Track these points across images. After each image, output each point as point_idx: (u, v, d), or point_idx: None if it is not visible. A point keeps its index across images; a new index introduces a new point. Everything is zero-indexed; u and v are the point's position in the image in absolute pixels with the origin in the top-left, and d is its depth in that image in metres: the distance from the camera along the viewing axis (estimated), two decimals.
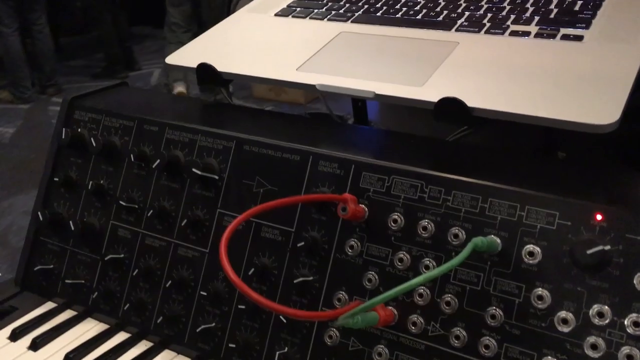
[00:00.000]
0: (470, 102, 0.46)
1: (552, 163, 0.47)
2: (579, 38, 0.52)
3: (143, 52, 4.92)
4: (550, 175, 0.44)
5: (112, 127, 0.56)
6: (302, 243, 0.46)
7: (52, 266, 0.57)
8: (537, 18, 0.57)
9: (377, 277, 0.44)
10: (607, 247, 0.37)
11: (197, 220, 0.51)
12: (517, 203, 0.40)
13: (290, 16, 0.66)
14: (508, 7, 0.60)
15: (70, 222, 0.55)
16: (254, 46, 0.60)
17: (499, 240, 0.40)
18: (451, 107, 0.46)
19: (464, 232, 0.41)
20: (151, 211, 0.52)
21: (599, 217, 0.38)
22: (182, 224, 0.52)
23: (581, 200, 0.39)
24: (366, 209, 0.45)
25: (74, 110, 0.59)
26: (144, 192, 0.54)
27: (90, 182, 0.55)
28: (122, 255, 0.54)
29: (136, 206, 0.53)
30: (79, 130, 0.57)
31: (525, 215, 0.40)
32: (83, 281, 0.55)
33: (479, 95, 0.47)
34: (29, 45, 3.91)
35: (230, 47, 0.61)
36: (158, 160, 0.51)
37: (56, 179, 0.57)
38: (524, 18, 0.57)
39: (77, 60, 4.79)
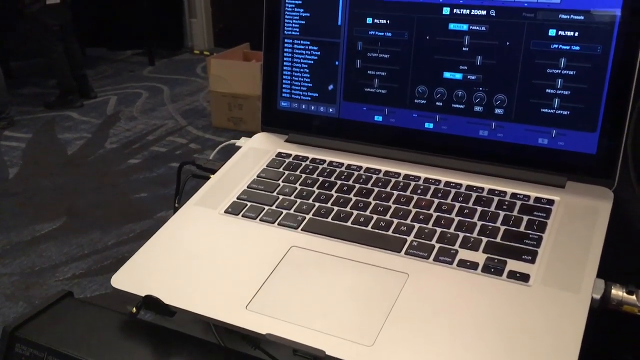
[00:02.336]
0: None
1: None
2: (526, 278, 0.53)
3: (98, 77, 4.84)
4: None
5: None
6: None
7: None
8: (484, 241, 0.57)
9: None
10: None
11: None
12: None
13: (240, 215, 0.65)
14: (456, 220, 0.60)
15: None
16: (202, 268, 0.59)
17: None
18: None
19: None
20: None
21: None
22: None
23: None
24: None
25: (15, 342, 0.57)
26: None
27: None
28: None
29: None
30: None
31: None
32: None
33: None
34: None
35: (177, 269, 0.59)
36: None
37: None
38: (472, 240, 0.57)
39: (29, 87, 4.67)
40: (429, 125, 0.68)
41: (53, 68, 4.14)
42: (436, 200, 0.63)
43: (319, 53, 0.72)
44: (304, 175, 0.69)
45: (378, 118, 0.70)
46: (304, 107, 0.74)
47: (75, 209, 2.92)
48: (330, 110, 0.73)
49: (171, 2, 5.22)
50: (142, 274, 0.59)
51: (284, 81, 0.75)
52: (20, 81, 4.71)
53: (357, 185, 0.66)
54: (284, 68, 0.74)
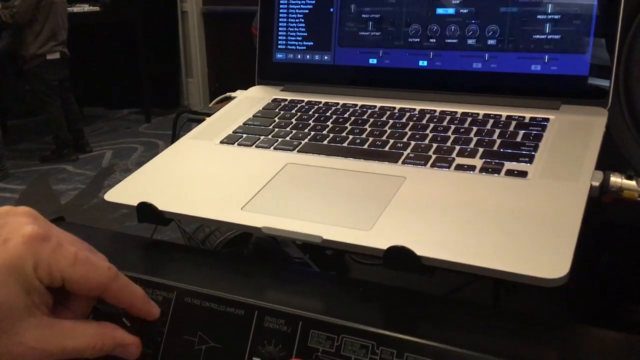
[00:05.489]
0: (419, 251, 0.45)
1: (506, 317, 0.45)
2: (524, 174, 0.53)
3: (94, 133, 4.89)
4: (506, 332, 0.43)
5: None
6: None
7: None
8: (481, 150, 0.57)
9: None
10: None
11: None
12: None
13: (236, 144, 0.64)
14: (452, 137, 0.60)
15: None
16: (197, 181, 0.59)
17: None
18: (400, 255, 0.45)
19: None
20: None
21: None
22: None
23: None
24: None
25: None
26: None
27: None
28: None
29: None
30: None
31: None
32: None
33: (428, 244, 0.46)
34: None
35: (172, 183, 0.59)
36: (92, 315, 0.48)
37: None
38: (469, 150, 0.57)
39: (26, 143, 4.71)
40: (423, 63, 0.69)
41: (50, 122, 4.19)
42: (432, 124, 0.63)
43: (313, 2, 0.74)
44: (299, 113, 0.69)
45: (373, 61, 0.71)
46: (299, 57, 0.75)
47: None
48: (326, 57, 0.74)
49: (168, 63, 5.35)
50: (136, 189, 0.59)
51: (279, 33, 0.76)
52: (16, 138, 4.75)
53: (353, 118, 0.67)
54: (280, 20, 0.76)
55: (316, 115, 0.68)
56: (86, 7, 4.74)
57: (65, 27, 4.09)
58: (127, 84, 5.28)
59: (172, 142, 0.74)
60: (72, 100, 4.26)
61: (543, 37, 0.63)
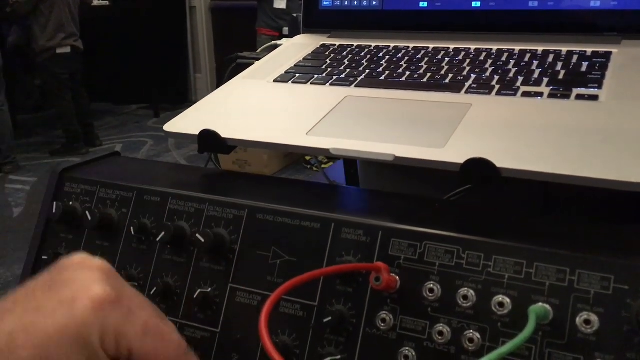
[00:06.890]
0: (499, 163, 0.44)
1: (590, 223, 0.44)
2: (595, 97, 0.52)
3: (104, 127, 4.90)
4: (594, 236, 0.42)
5: (108, 199, 0.52)
6: (329, 318, 0.42)
7: None
8: (546, 80, 0.56)
9: (414, 352, 0.40)
10: None
11: (206, 297, 0.46)
12: (567, 267, 0.38)
13: (290, 82, 0.64)
14: (514, 70, 0.59)
15: None
16: (256, 112, 0.58)
17: (550, 308, 0.37)
18: (478, 168, 0.44)
19: (509, 300, 0.38)
20: (154, 289, 0.48)
21: None
22: (189, 302, 0.47)
23: (637, 261, 0.36)
24: (398, 279, 0.41)
25: (64, 182, 0.54)
26: (144, 268, 0.49)
27: None
28: None
29: (136, 283, 0.49)
30: (71, 203, 0.53)
31: (577, 280, 0.37)
32: None
33: (506, 156, 0.45)
34: None
35: (231, 113, 0.58)
36: (163, 233, 0.47)
37: (45, 257, 0.52)
38: (533, 80, 0.56)
39: (36, 137, 4.71)
40: (476, 4, 0.68)
41: (61, 115, 4.19)
42: (490, 60, 0.62)
43: None
44: (350, 55, 0.68)
45: (423, 4, 0.71)
46: (346, 3, 0.75)
47: None
48: (374, 2, 0.73)
49: (177, 59, 5.35)
50: (195, 120, 0.58)
51: None
52: (26, 132, 4.75)
53: (407, 57, 0.66)
54: None
55: (368, 56, 0.67)
56: (95, 1, 4.74)
57: (76, 20, 4.09)
58: (135, 80, 5.27)
59: (218, 85, 0.73)
60: (83, 94, 4.27)
61: None
